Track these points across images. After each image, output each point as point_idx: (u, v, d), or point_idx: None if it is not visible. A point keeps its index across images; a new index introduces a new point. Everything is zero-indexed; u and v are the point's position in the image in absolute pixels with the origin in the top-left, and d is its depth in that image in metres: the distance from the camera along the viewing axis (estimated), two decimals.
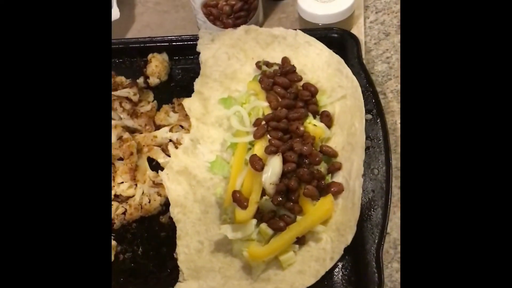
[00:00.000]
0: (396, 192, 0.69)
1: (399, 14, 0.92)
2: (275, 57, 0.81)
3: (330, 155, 0.69)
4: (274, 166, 0.65)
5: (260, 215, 0.64)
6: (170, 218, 0.66)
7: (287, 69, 0.76)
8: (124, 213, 0.68)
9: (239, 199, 0.64)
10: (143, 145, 0.74)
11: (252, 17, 0.89)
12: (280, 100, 0.73)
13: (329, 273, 0.61)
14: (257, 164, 0.65)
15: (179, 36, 0.87)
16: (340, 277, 0.62)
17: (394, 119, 0.77)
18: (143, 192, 0.69)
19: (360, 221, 0.62)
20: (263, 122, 0.69)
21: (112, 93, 0.77)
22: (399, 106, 0.78)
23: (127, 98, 0.77)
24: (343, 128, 0.71)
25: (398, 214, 0.67)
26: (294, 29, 0.83)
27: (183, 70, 0.86)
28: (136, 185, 0.70)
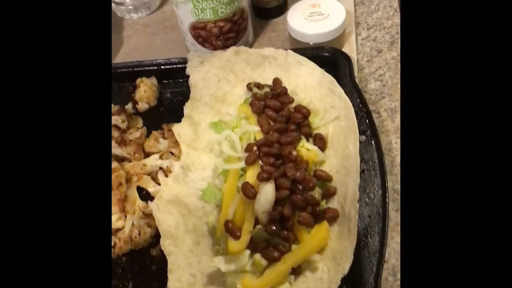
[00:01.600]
0: (393, 216, 0.67)
1: (391, 30, 0.91)
2: (266, 78, 0.80)
3: (324, 180, 0.67)
4: (266, 194, 0.63)
5: (254, 245, 0.62)
6: (161, 251, 0.64)
7: (278, 91, 0.75)
8: (113, 247, 0.66)
9: (231, 229, 0.62)
10: (132, 174, 0.72)
11: (241, 37, 0.88)
12: (271, 123, 0.71)
13: None
14: (249, 192, 0.63)
15: (167, 59, 0.86)
16: None
17: (389, 139, 0.75)
18: (132, 224, 0.67)
19: (357, 248, 0.60)
20: (255, 148, 0.68)
21: None
22: (393, 125, 0.77)
23: (115, 126, 0.75)
24: (337, 150, 0.69)
25: (396, 239, 0.65)
26: (284, 49, 0.81)
27: (173, 94, 0.85)
28: (125, 216, 0.68)
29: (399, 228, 0.66)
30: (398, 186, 0.70)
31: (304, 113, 0.72)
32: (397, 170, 0.72)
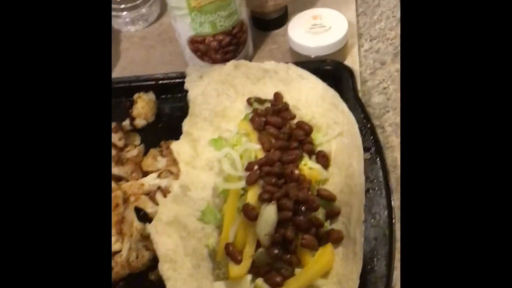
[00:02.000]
0: (400, 237, 0.65)
1: (394, 41, 0.89)
2: (267, 93, 0.78)
3: (328, 199, 0.64)
4: (268, 215, 0.60)
5: (256, 270, 0.60)
6: (160, 275, 0.62)
7: (279, 107, 0.73)
8: None
9: (232, 253, 0.60)
10: (130, 194, 0.70)
11: (241, 51, 0.86)
12: (273, 141, 0.69)
13: None
14: (250, 214, 0.61)
15: (166, 73, 0.84)
16: None
17: (394, 155, 0.73)
18: (130, 247, 0.65)
19: (363, 272, 0.57)
20: (256, 167, 0.65)
21: None
22: (398, 140, 0.75)
23: (113, 144, 0.73)
24: (341, 168, 0.67)
25: None
26: (286, 62, 0.79)
27: (171, 109, 0.83)
28: (122, 239, 0.66)
29: None
30: None
31: (306, 129, 0.70)
32: None
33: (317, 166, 0.67)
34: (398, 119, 0.77)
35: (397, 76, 0.83)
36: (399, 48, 0.88)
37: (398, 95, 0.80)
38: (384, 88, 0.82)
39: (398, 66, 0.85)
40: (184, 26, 0.80)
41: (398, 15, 0.93)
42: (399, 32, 0.90)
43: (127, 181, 0.72)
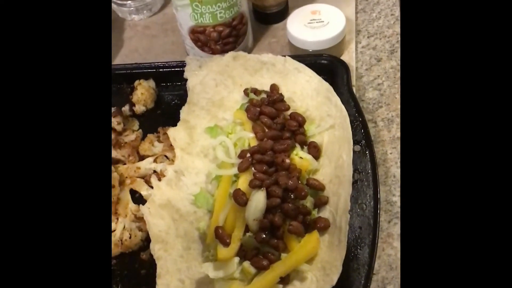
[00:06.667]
0: (385, 227, 0.67)
1: (391, 38, 0.91)
2: (264, 84, 0.79)
3: (317, 189, 0.66)
4: (257, 201, 0.63)
5: (243, 253, 0.62)
6: (151, 255, 0.64)
7: (274, 98, 0.75)
8: None
9: (221, 236, 0.62)
10: (126, 177, 0.72)
11: (241, 42, 0.87)
12: (266, 130, 0.71)
13: None
14: (240, 199, 0.63)
15: (166, 62, 0.86)
16: None
17: (384, 149, 0.75)
18: (124, 227, 0.67)
19: (347, 260, 0.59)
20: (248, 155, 0.67)
21: None
22: (390, 135, 0.76)
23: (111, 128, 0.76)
24: (331, 159, 0.69)
25: (388, 251, 0.65)
26: (283, 55, 0.81)
27: (170, 97, 0.85)
28: (117, 219, 0.68)
29: (391, 240, 0.66)
30: (392, 197, 0.70)
31: (299, 120, 0.72)
32: (391, 181, 0.71)
33: (308, 157, 0.69)
34: (390, 114, 0.79)
35: (392, 72, 0.85)
36: (395, 45, 0.89)
37: (391, 91, 0.82)
38: (379, 84, 0.84)
39: (393, 63, 0.86)
40: (185, 17, 0.82)
41: (397, 13, 0.95)
42: (396, 30, 0.92)
43: (124, 164, 0.74)
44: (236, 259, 0.61)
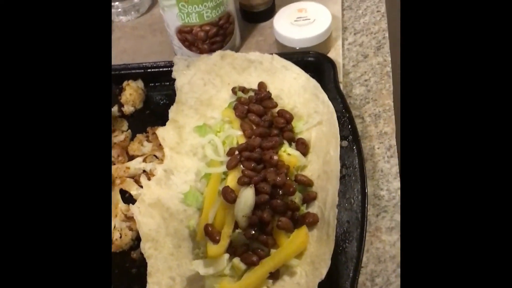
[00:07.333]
0: (373, 221, 0.68)
1: (377, 35, 0.91)
2: (252, 82, 0.80)
3: (305, 185, 0.67)
4: (246, 198, 0.63)
5: (233, 249, 0.62)
6: (142, 254, 0.64)
7: (262, 96, 0.75)
8: None
9: (211, 233, 0.63)
10: (116, 177, 0.72)
11: (228, 41, 0.88)
12: (254, 128, 0.72)
13: None
14: (229, 196, 0.64)
15: (154, 62, 0.86)
16: None
17: (372, 144, 0.76)
18: (114, 227, 0.68)
19: (335, 254, 0.60)
20: (236, 152, 0.68)
21: None
22: (377, 130, 0.77)
23: None
24: (319, 155, 0.70)
25: (376, 244, 0.66)
26: (270, 53, 0.82)
27: (159, 97, 0.85)
28: None
29: (379, 233, 0.67)
30: (379, 192, 0.70)
31: (287, 118, 0.73)
32: (378, 175, 0.72)
33: (296, 153, 0.70)
34: (377, 110, 0.80)
35: (378, 68, 0.86)
36: (382, 42, 0.90)
37: (378, 87, 0.83)
38: (366, 80, 0.85)
39: (380, 59, 0.87)
40: (172, 17, 0.83)
41: (382, 9, 0.96)
42: (382, 26, 0.93)
43: (114, 164, 0.74)
44: (226, 256, 0.62)
